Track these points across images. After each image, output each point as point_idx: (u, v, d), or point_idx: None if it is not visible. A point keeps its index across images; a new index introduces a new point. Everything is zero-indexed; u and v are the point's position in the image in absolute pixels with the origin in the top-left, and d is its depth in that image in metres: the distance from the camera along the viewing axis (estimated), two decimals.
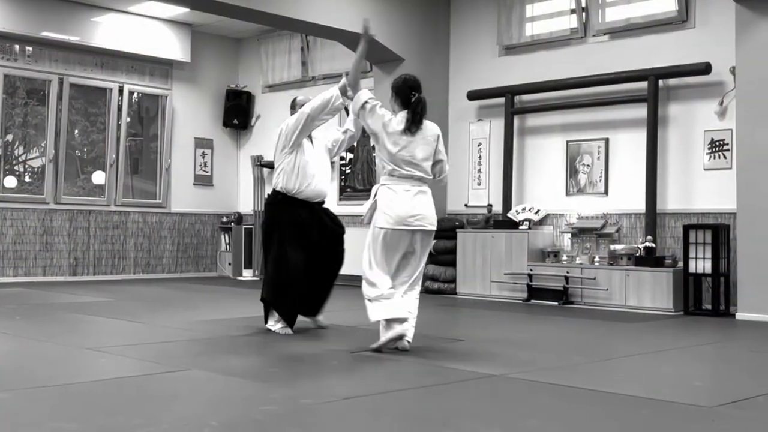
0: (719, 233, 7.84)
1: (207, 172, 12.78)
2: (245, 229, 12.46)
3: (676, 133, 8.57)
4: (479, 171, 10.16)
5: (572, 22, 9.34)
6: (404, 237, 5.12)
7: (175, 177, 12.39)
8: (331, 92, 5.88)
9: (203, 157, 12.73)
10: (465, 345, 5.69)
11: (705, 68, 8.20)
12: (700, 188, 8.37)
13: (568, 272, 8.66)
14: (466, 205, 10.20)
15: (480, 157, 10.16)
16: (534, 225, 9.28)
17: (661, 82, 8.57)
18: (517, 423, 3.39)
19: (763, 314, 7.38)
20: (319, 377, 4.41)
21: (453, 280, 9.73)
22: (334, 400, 3.73)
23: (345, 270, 6.29)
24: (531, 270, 8.95)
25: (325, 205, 6.27)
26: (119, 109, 11.72)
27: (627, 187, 8.86)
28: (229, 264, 12.58)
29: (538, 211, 9.33)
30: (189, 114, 12.54)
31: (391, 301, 5.08)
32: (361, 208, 5.70)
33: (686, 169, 8.48)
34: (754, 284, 7.47)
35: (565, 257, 8.97)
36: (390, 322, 5.07)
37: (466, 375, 4.44)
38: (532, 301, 8.87)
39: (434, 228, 5.22)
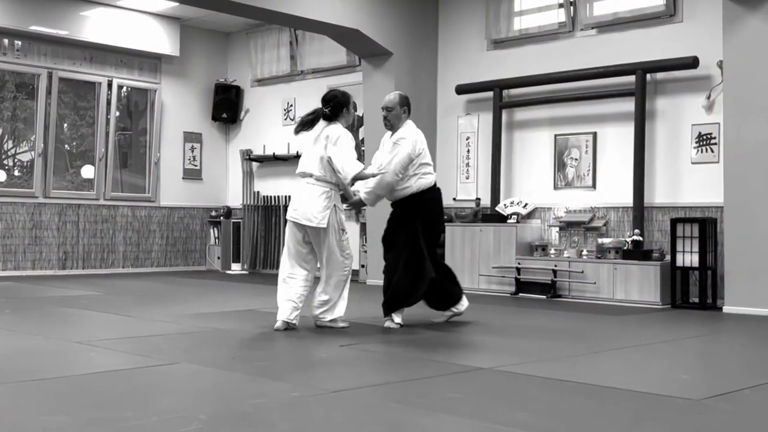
0: (706, 227, 7.88)
1: (196, 166, 12.77)
2: (234, 223, 12.45)
3: (664, 127, 8.61)
4: (467, 165, 10.18)
5: (560, 16, 9.37)
6: (294, 227, 5.85)
7: (164, 171, 12.37)
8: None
9: (192, 151, 12.72)
10: (453, 338, 5.72)
11: (692, 62, 8.24)
12: (688, 182, 8.42)
13: (556, 266, 8.69)
14: (454, 199, 10.22)
15: (468, 151, 10.18)
16: (522, 219, 9.31)
17: (648, 76, 8.60)
18: (505, 415, 3.41)
19: (749, 307, 7.43)
20: (309, 370, 4.43)
21: None
22: (323, 393, 3.75)
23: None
24: (519, 264, 8.98)
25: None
26: (108, 103, 11.69)
27: (615, 181, 8.90)
28: (218, 258, 12.57)
29: (526, 204, 9.36)
30: (178, 108, 12.52)
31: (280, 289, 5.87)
32: None
33: (674, 163, 8.52)
34: (740, 277, 7.51)
35: (553, 251, 9.00)
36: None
37: (454, 368, 4.46)
38: (521, 294, 8.91)
39: (310, 224, 5.73)
